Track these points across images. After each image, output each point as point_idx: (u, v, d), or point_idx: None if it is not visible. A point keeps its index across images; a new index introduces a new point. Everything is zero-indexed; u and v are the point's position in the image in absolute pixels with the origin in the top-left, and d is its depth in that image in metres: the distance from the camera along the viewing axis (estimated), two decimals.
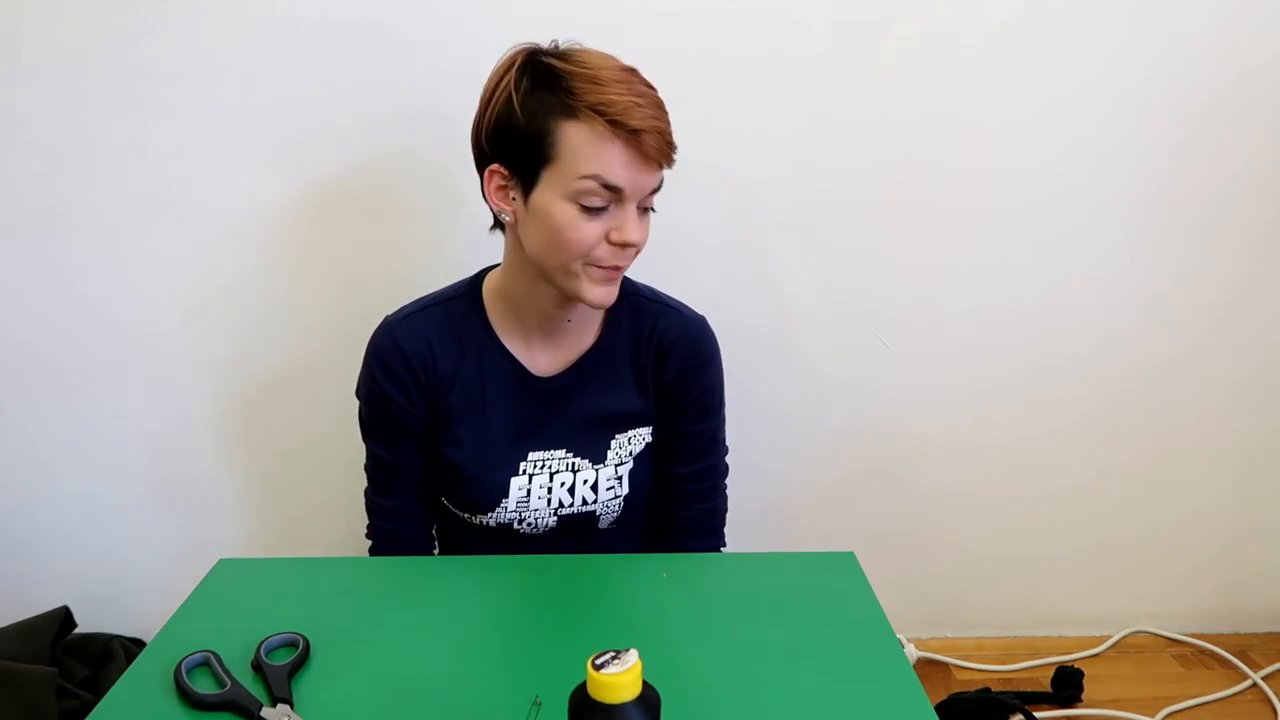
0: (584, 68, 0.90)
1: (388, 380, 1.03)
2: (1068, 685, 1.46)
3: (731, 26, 1.29)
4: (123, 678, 0.78)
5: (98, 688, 1.36)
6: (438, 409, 1.05)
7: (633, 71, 0.93)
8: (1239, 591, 1.63)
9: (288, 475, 1.47)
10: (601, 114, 0.88)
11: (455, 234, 1.34)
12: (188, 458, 1.45)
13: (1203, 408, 1.52)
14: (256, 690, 0.75)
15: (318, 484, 1.46)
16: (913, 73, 1.32)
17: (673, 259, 1.26)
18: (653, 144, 0.90)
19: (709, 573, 0.96)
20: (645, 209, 0.96)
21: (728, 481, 1.17)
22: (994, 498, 1.55)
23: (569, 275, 0.96)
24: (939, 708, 1.20)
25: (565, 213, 0.92)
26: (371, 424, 1.09)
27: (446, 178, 1.32)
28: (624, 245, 0.93)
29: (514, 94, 0.91)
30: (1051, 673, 1.51)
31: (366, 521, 1.15)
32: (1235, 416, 1.53)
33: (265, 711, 0.73)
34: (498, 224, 1.02)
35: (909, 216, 1.39)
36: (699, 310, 1.11)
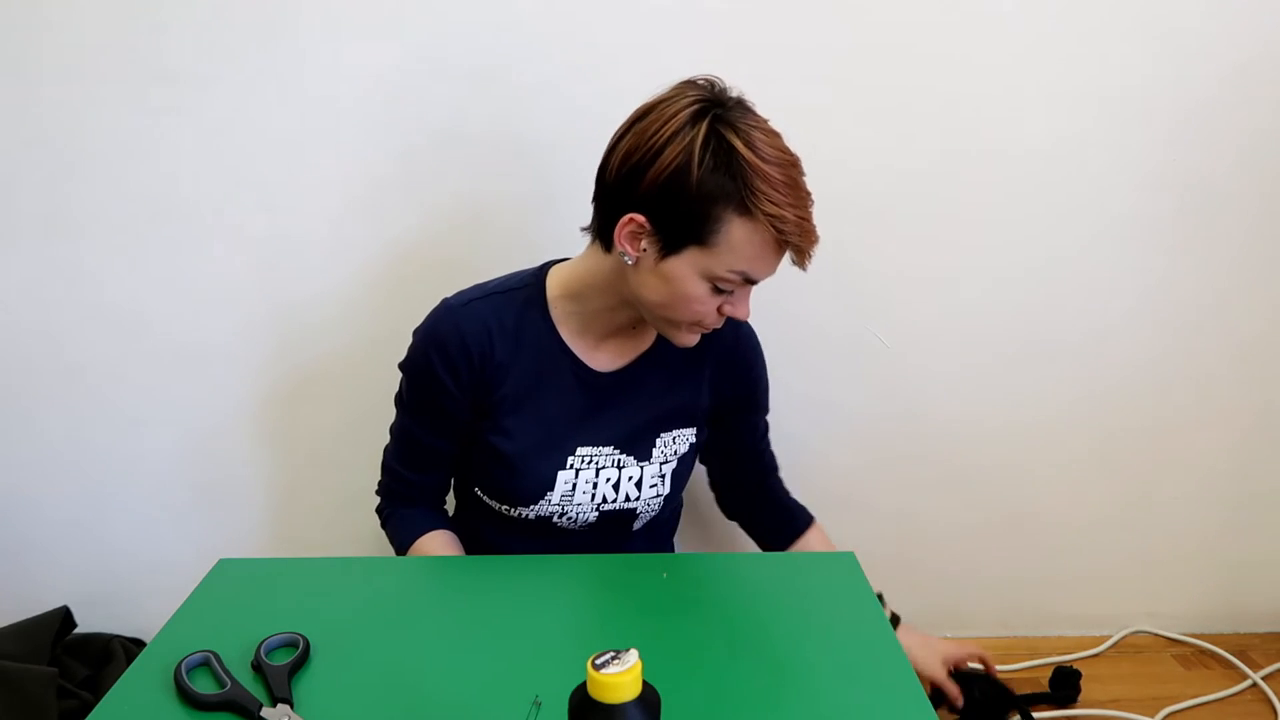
0: (765, 162, 0.90)
1: (441, 363, 1.03)
2: (1066, 685, 1.46)
3: (727, 34, 1.29)
4: (123, 678, 0.78)
5: (98, 688, 1.36)
6: (487, 399, 1.05)
7: (798, 166, 0.94)
8: (1239, 591, 1.63)
9: (291, 476, 1.47)
10: (776, 229, 0.91)
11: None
12: (189, 458, 1.45)
13: (1203, 407, 1.52)
14: (256, 690, 0.75)
15: (321, 486, 1.46)
16: (911, 72, 1.32)
17: None
18: (804, 257, 0.95)
19: (709, 573, 0.96)
20: None
21: None
22: (993, 498, 1.55)
23: (669, 324, 1.00)
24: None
25: (697, 288, 0.95)
26: (411, 400, 1.09)
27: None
28: (733, 319, 1.00)
29: (694, 164, 0.89)
30: (1051, 673, 1.51)
31: (378, 485, 1.16)
32: (1235, 416, 1.53)
33: (265, 711, 0.73)
34: (599, 236, 1.00)
35: (907, 223, 1.39)
36: None
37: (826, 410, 1.48)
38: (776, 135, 0.94)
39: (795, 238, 0.92)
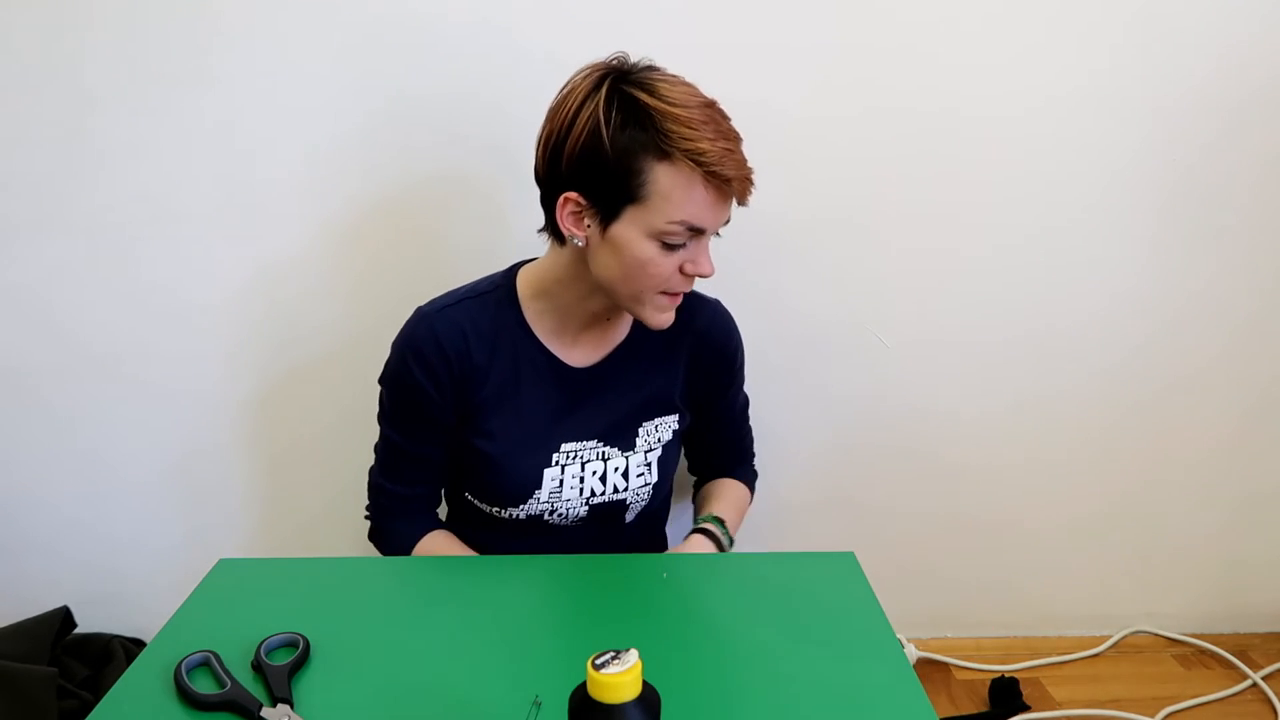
0: (672, 105, 0.90)
1: (421, 370, 1.03)
2: (1008, 697, 1.44)
3: (727, 32, 1.29)
4: (123, 678, 0.78)
5: (98, 688, 1.36)
6: (469, 402, 1.06)
7: (714, 107, 0.94)
8: (1239, 591, 1.63)
9: (289, 476, 1.47)
10: (698, 163, 0.90)
11: (459, 232, 1.34)
12: (187, 457, 1.45)
13: (1203, 408, 1.52)
14: (256, 690, 0.75)
15: (319, 485, 1.46)
16: (917, 81, 1.32)
17: None
18: (741, 190, 0.94)
19: (709, 573, 0.96)
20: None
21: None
22: (994, 498, 1.55)
23: (637, 301, 0.99)
24: None
25: (647, 249, 0.94)
26: (394, 412, 1.08)
27: (464, 180, 1.32)
28: (698, 276, 0.98)
29: (603, 127, 0.91)
30: (1052, 672, 1.51)
31: (366, 509, 1.16)
32: (1235, 417, 1.53)
33: (265, 711, 0.73)
34: (551, 230, 1.02)
35: (910, 226, 1.39)
36: None
37: (825, 410, 1.48)
38: (686, 84, 0.94)
39: (720, 168, 0.90)
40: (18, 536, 1.48)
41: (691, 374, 1.13)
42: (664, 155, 0.90)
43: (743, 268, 1.40)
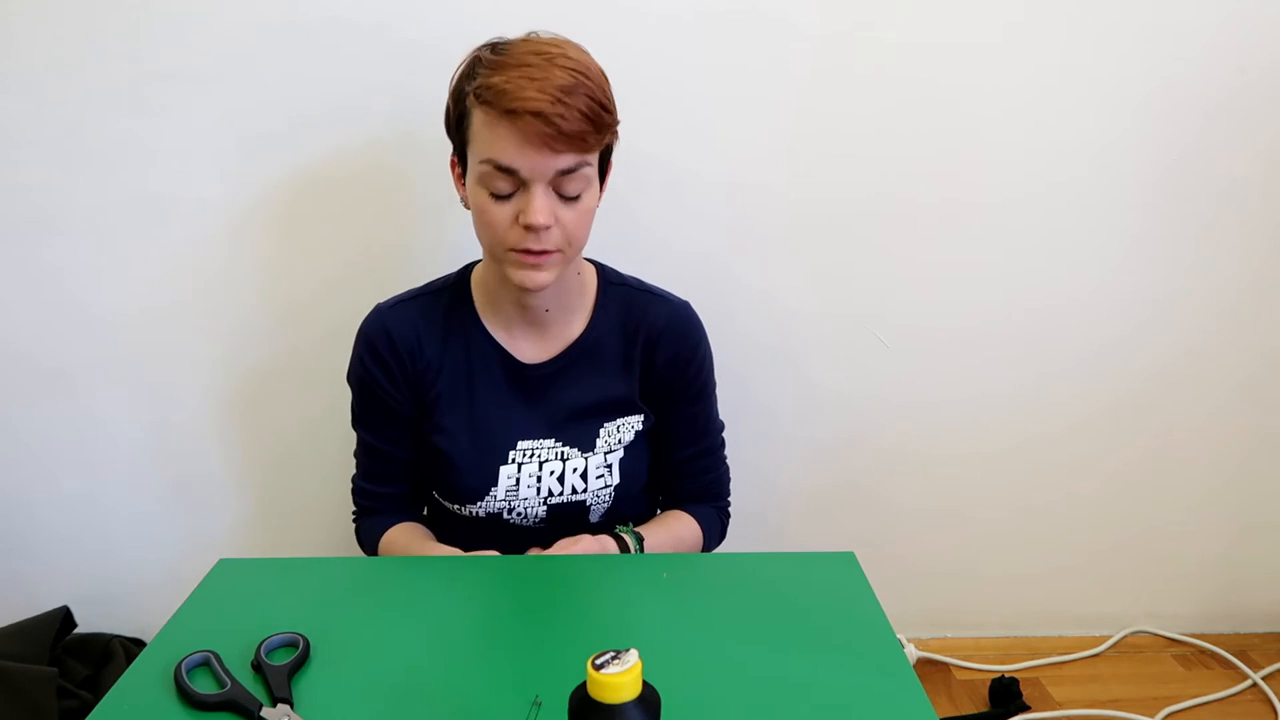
0: (503, 54, 0.92)
1: (375, 365, 1.05)
2: (1008, 697, 1.45)
3: (723, 32, 1.28)
4: (123, 678, 0.78)
5: (98, 688, 1.36)
6: (424, 397, 1.07)
7: (550, 57, 0.90)
8: (1239, 591, 1.63)
9: (287, 473, 1.47)
10: (484, 100, 0.90)
11: (445, 229, 1.34)
12: (187, 457, 1.45)
13: (1202, 408, 1.52)
14: (256, 690, 0.75)
15: (318, 481, 1.46)
16: (911, 77, 1.32)
17: (667, 267, 1.26)
18: (532, 127, 0.88)
19: (709, 573, 0.96)
20: (569, 195, 0.94)
21: (726, 451, 1.21)
22: (994, 498, 1.55)
23: (498, 260, 0.98)
24: None
25: (478, 196, 0.95)
26: (360, 410, 1.11)
27: (438, 172, 1.32)
28: (528, 228, 0.93)
29: (453, 80, 0.96)
30: (1052, 672, 1.51)
31: (352, 509, 1.16)
32: (1235, 417, 1.53)
33: (265, 711, 0.73)
34: None
35: (907, 222, 1.39)
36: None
37: (824, 409, 1.48)
38: (552, 45, 0.92)
39: (501, 100, 0.88)
40: (18, 536, 1.48)
41: (646, 372, 1.10)
42: (473, 98, 0.92)
43: (741, 263, 1.40)
